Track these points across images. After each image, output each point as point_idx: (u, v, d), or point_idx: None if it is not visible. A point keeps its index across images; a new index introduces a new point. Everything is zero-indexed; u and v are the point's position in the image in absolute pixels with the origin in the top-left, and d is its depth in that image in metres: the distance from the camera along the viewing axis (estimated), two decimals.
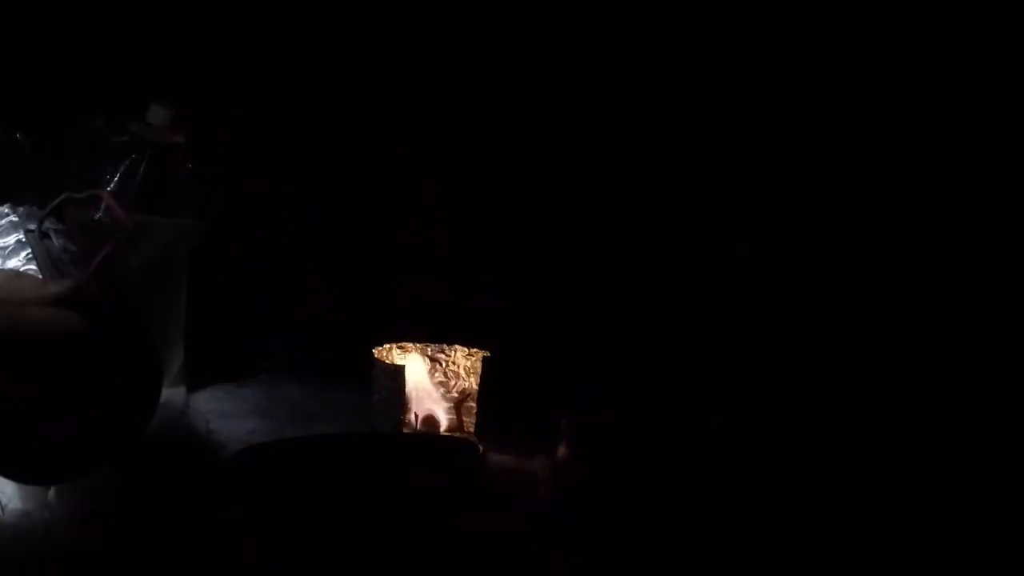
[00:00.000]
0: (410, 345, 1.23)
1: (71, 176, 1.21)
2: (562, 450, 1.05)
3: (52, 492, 0.93)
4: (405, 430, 1.17)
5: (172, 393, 1.19)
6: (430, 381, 1.20)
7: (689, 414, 1.17)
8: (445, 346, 1.22)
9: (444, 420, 1.19)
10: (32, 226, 1.08)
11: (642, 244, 1.37)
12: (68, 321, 0.91)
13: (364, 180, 1.45)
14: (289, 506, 0.82)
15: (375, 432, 1.15)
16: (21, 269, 1.04)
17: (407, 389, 1.18)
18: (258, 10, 1.40)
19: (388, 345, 1.23)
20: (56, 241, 1.08)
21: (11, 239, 1.08)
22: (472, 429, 1.19)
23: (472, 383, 1.20)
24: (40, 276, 1.03)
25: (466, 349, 1.22)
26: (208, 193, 1.26)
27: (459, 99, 1.41)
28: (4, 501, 0.93)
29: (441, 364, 1.22)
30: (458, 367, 1.21)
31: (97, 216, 1.19)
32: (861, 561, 0.89)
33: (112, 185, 1.19)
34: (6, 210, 1.10)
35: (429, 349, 1.22)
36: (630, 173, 1.38)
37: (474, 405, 1.20)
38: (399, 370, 1.18)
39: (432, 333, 1.24)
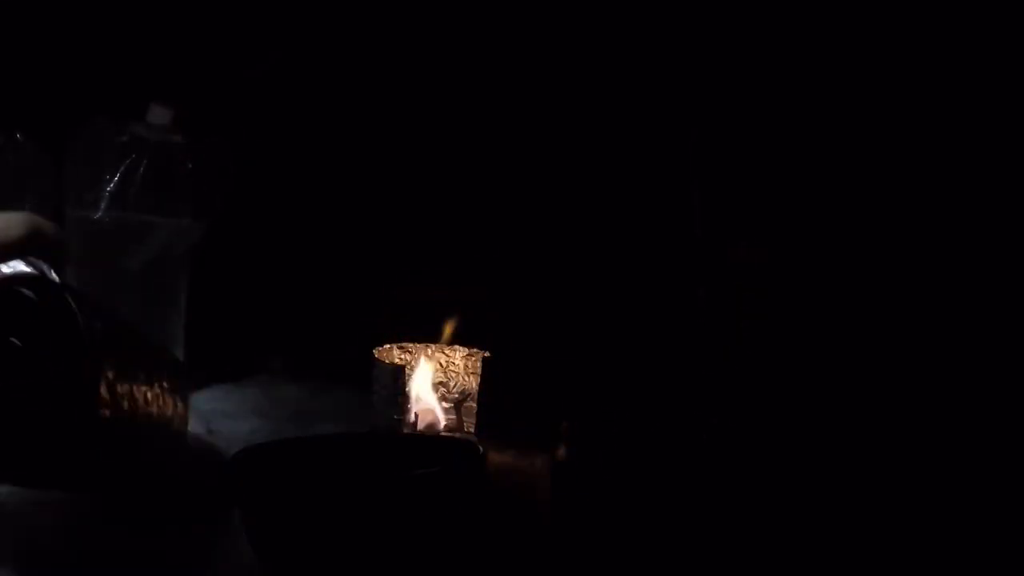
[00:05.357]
0: (410, 345, 1.22)
1: (71, 177, 1.21)
2: (562, 450, 1.05)
3: None
4: (405, 430, 1.17)
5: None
6: (431, 381, 1.20)
7: (688, 414, 1.17)
8: (445, 346, 1.22)
9: (444, 420, 1.19)
10: None
11: (643, 246, 1.37)
12: None
13: (365, 180, 1.45)
14: (289, 506, 0.82)
15: (375, 432, 1.15)
16: None
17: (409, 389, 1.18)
18: (258, 11, 1.40)
19: (388, 345, 1.22)
20: None
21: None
22: (472, 429, 1.19)
23: (472, 383, 1.20)
24: None
25: (466, 349, 1.22)
26: (208, 193, 1.26)
27: (461, 99, 1.41)
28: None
29: (441, 364, 1.22)
30: (458, 367, 1.21)
31: (96, 216, 1.19)
32: (861, 561, 0.89)
33: (112, 185, 1.19)
34: None
35: (429, 349, 1.22)
36: (629, 176, 1.38)
37: (474, 405, 1.20)
38: (399, 370, 1.18)
39: (432, 333, 1.24)
